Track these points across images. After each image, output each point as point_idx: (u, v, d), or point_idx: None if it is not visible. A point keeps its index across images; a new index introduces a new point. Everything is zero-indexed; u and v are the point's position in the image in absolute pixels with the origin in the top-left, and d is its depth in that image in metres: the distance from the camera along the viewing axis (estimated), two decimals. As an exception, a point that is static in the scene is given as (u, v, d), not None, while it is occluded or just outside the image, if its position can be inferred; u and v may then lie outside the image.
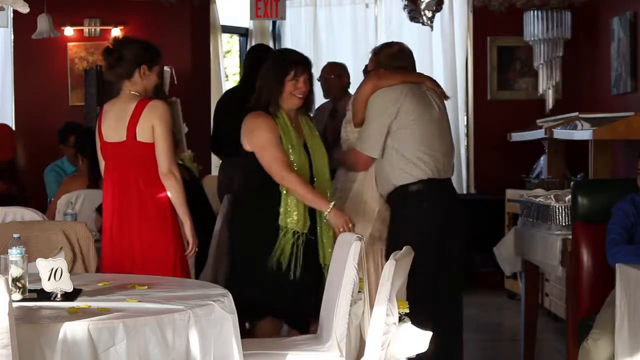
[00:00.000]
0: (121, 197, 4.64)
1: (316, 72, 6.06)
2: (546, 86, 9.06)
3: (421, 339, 3.61)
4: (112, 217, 4.66)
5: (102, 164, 4.77)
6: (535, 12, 8.92)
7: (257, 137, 4.67)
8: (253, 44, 9.81)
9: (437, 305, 4.87)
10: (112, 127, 4.64)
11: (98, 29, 9.16)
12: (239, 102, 5.31)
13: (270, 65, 4.79)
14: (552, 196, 5.48)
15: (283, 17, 8.30)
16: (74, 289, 3.47)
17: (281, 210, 4.62)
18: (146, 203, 4.60)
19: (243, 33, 10.18)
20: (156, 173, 4.59)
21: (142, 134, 4.56)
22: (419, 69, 5.35)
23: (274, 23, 10.03)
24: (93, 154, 5.99)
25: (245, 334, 4.29)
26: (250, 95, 4.86)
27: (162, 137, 4.56)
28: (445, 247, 4.89)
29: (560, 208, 5.31)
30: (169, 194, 4.60)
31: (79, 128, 7.53)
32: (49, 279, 3.44)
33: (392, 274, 3.50)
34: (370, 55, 5.23)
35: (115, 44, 4.70)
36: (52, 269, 3.44)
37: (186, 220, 4.64)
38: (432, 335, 3.59)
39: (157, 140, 4.56)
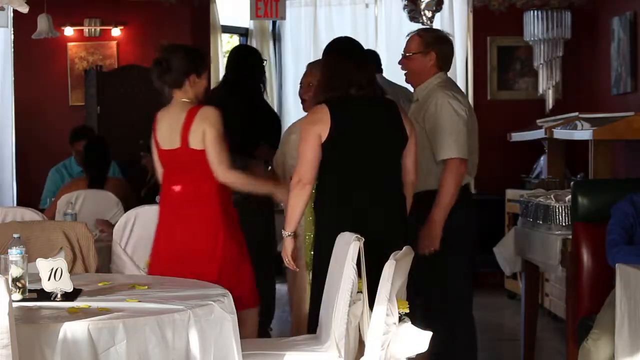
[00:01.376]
0: (175, 202, 4.70)
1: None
2: (546, 86, 9.06)
3: (421, 339, 3.62)
4: (164, 222, 4.74)
5: (159, 170, 4.84)
6: (535, 12, 8.93)
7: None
8: (253, 44, 9.83)
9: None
10: (166, 135, 4.71)
11: (98, 29, 9.16)
12: (235, 103, 5.33)
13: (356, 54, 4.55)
14: (552, 196, 5.48)
15: (283, 17, 8.29)
16: (74, 289, 3.48)
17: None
18: (197, 208, 4.65)
19: (243, 33, 10.18)
20: (208, 180, 4.64)
21: (195, 141, 4.62)
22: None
23: (274, 23, 10.04)
24: (99, 168, 6.31)
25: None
26: (234, 95, 4.84)
27: (212, 142, 4.60)
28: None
29: (560, 208, 5.31)
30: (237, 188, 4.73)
31: (87, 133, 7.53)
32: (49, 279, 3.44)
33: (392, 274, 3.50)
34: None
35: (163, 53, 4.74)
36: (52, 269, 3.44)
37: (265, 188, 4.84)
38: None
39: (208, 146, 4.61)
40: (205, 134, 4.59)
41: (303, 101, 5.33)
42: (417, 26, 8.24)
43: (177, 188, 4.70)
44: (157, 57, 4.75)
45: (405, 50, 5.02)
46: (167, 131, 4.71)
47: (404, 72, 5.07)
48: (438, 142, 4.76)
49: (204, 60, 4.88)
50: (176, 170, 4.71)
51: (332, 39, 4.74)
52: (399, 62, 5.05)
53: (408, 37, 5.08)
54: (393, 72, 7.57)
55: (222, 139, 4.64)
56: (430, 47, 4.94)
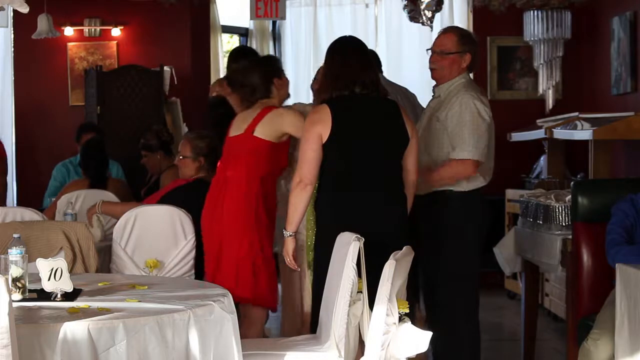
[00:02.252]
0: (219, 186, 4.89)
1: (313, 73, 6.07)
2: (546, 86, 9.05)
3: (421, 339, 3.62)
4: (207, 203, 4.92)
5: None
6: (535, 12, 8.92)
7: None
8: (253, 44, 9.83)
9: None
10: (236, 125, 4.95)
11: (98, 29, 9.16)
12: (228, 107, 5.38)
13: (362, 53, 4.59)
14: (552, 196, 5.48)
15: (283, 17, 8.30)
16: (74, 289, 3.47)
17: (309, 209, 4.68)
18: (236, 193, 4.81)
19: (243, 33, 10.18)
20: (254, 169, 4.80)
21: (261, 131, 4.82)
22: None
23: (274, 23, 10.04)
24: (98, 170, 6.42)
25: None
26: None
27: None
28: None
29: (560, 208, 5.31)
30: None
31: (93, 128, 7.53)
32: (49, 279, 3.44)
33: (392, 274, 3.50)
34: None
35: (244, 77, 5.00)
36: (52, 269, 3.44)
37: None
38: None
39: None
40: (292, 128, 4.77)
41: None
42: (417, 26, 8.26)
43: (224, 172, 4.89)
44: (240, 81, 5.03)
45: (441, 47, 4.91)
46: (237, 123, 4.95)
47: (433, 68, 4.95)
48: (458, 141, 4.74)
49: (276, 62, 5.15)
50: (230, 156, 4.91)
51: (332, 39, 4.73)
52: (431, 59, 4.94)
53: (442, 34, 4.98)
54: (393, 72, 7.60)
55: None
56: (467, 48, 4.90)
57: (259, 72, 4.98)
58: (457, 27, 5.31)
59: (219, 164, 5.03)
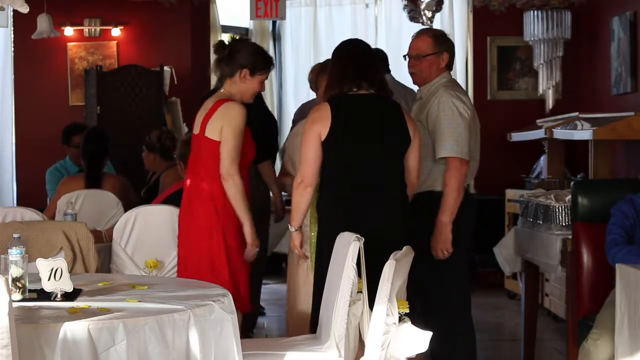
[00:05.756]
0: (185, 195, 4.81)
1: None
2: (546, 86, 9.06)
3: (421, 339, 3.62)
4: (180, 216, 4.87)
5: None
6: (535, 12, 8.93)
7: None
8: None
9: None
10: (196, 120, 4.81)
11: (98, 29, 9.16)
12: None
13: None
14: (552, 196, 5.48)
15: (283, 17, 8.30)
16: (74, 289, 3.48)
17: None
18: (201, 196, 4.70)
19: (243, 33, 10.18)
20: (212, 175, 4.67)
21: (210, 131, 4.67)
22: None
23: (274, 23, 10.04)
24: (95, 157, 6.28)
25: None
26: None
27: (227, 138, 4.62)
28: None
29: (560, 208, 5.32)
30: (228, 194, 4.64)
31: (82, 128, 7.53)
32: (49, 279, 3.44)
33: (392, 274, 3.50)
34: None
35: (231, 42, 4.78)
36: (52, 269, 3.44)
37: (245, 221, 4.67)
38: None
39: (223, 141, 4.63)
40: (223, 129, 4.62)
41: None
42: (417, 26, 8.26)
43: (187, 182, 4.81)
44: (222, 41, 4.81)
45: (417, 51, 4.91)
46: (197, 117, 4.81)
47: (413, 72, 4.97)
48: (438, 140, 4.74)
49: (265, 64, 4.78)
50: (192, 160, 4.81)
51: (332, 39, 4.76)
52: (409, 64, 4.96)
53: (415, 38, 4.98)
54: (393, 72, 7.59)
55: (239, 138, 4.64)
56: (443, 47, 4.91)
57: (245, 51, 4.73)
58: (429, 29, 5.33)
59: (188, 164, 4.90)
